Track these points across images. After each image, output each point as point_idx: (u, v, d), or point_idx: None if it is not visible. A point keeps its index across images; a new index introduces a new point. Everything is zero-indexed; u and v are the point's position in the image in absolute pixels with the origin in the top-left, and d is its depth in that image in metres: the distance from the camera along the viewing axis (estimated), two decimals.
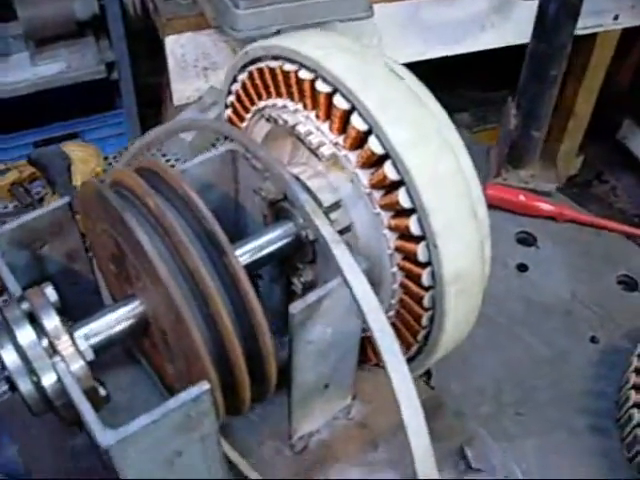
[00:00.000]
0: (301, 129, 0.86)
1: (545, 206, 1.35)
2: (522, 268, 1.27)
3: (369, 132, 0.78)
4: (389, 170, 0.77)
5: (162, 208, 0.76)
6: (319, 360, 0.88)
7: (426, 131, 0.78)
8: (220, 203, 0.99)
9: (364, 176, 0.81)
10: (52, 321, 0.76)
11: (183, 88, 2.00)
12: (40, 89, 2.22)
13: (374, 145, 0.78)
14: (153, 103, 2.37)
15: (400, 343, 0.89)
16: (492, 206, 1.36)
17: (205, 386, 0.72)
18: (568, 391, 1.09)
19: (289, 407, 0.93)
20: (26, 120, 2.30)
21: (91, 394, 0.77)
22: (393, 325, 0.90)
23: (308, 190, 0.86)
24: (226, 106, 1.04)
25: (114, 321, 0.81)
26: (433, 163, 0.76)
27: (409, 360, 0.92)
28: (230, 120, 1.03)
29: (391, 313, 0.88)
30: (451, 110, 1.48)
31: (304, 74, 0.84)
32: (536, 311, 1.20)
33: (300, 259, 0.92)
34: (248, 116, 0.98)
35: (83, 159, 1.60)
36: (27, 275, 0.89)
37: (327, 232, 0.78)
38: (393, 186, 0.78)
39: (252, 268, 0.89)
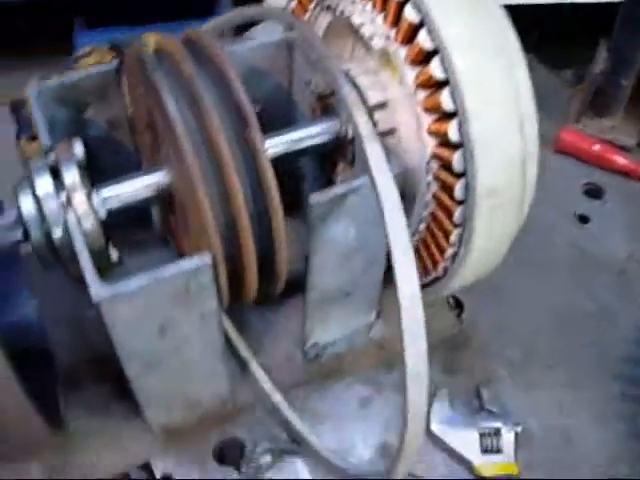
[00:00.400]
0: (356, 20, 0.82)
1: (620, 160, 1.26)
2: (583, 220, 1.19)
3: (421, 25, 0.73)
4: (436, 68, 0.72)
5: (195, 75, 0.74)
6: (340, 264, 0.84)
7: (482, 33, 0.72)
8: (272, 93, 0.97)
9: (411, 74, 0.77)
10: (71, 175, 0.75)
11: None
12: None
13: (424, 39, 0.72)
14: None
15: (428, 260, 0.86)
16: (564, 152, 1.29)
17: (207, 258, 0.70)
18: (606, 352, 1.02)
19: (304, 310, 0.91)
20: (124, 17, 2.32)
21: (101, 254, 0.77)
22: (422, 240, 0.86)
23: (355, 86, 0.83)
24: None
25: (134, 187, 0.79)
26: (483, 66, 0.71)
27: (434, 280, 0.88)
28: (295, 12, 0.99)
29: (422, 227, 0.84)
30: (555, 66, 1.39)
31: None
32: (589, 265, 1.13)
33: (341, 159, 0.89)
34: (311, 7, 0.94)
35: None
36: (67, 134, 0.88)
37: (364, 127, 0.73)
38: (438, 86, 0.73)
39: (288, 159, 0.86)
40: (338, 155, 0.89)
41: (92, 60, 1.61)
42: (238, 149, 0.74)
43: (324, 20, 0.92)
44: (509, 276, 1.08)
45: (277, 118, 0.97)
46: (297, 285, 0.87)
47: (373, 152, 0.72)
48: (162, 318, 0.74)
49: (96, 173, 0.79)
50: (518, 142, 0.73)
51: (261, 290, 0.84)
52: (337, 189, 0.76)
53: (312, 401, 0.94)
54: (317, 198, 0.75)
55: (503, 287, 1.07)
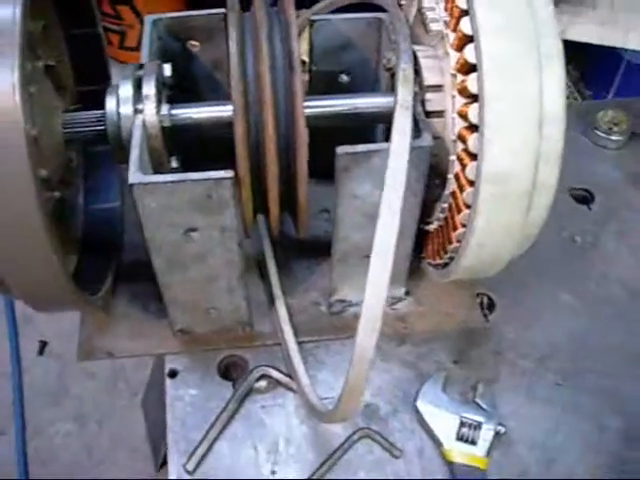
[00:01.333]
0: (426, 3, 0.89)
1: None
2: None
3: (467, 12, 0.79)
4: (469, 53, 0.78)
5: (262, 18, 0.84)
6: (364, 223, 0.91)
7: (518, 29, 0.76)
8: (359, 65, 1.06)
9: (453, 58, 0.83)
10: (148, 88, 0.86)
11: None
12: None
13: (465, 25, 0.78)
14: None
15: (446, 239, 0.91)
16: None
17: (230, 172, 0.80)
18: (624, 390, 1.00)
19: (331, 262, 0.99)
20: None
21: (160, 159, 0.89)
22: (445, 219, 0.91)
23: (418, 66, 0.89)
24: None
25: (201, 112, 0.90)
26: (510, 57, 0.75)
27: (450, 260, 0.93)
28: None
29: (445, 205, 0.89)
30: None
31: None
32: None
33: None
34: None
35: None
36: (175, 64, 0.99)
37: (401, 96, 0.80)
38: (470, 70, 0.79)
39: (348, 123, 0.94)
40: None
41: None
42: (283, 89, 0.84)
43: (415, 8, 0.99)
44: (550, 293, 1.10)
45: (363, 90, 1.06)
46: None
47: (399, 118, 0.78)
48: (186, 220, 0.84)
49: None
50: (532, 137, 0.77)
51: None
52: (361, 147, 0.83)
53: (319, 349, 1.02)
54: (343, 149, 0.83)
55: (541, 303, 1.08)
